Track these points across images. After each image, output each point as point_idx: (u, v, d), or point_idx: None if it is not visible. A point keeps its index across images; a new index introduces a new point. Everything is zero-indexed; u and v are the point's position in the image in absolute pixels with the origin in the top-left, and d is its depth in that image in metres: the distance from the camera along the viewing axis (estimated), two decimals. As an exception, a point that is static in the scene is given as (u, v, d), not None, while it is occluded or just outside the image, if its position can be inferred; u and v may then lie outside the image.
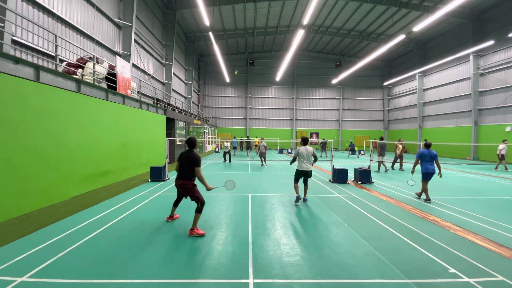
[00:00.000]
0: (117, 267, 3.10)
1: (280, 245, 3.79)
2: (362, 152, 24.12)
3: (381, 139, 12.18)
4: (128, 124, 9.39)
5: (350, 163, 15.28)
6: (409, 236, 4.19)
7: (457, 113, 21.80)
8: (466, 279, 2.92)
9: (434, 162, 6.36)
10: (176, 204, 4.72)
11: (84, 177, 6.91)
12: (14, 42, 7.31)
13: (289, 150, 27.34)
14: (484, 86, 19.37)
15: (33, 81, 5.41)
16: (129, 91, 9.92)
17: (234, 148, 21.67)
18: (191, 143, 4.31)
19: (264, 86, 32.23)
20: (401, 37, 17.12)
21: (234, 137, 28.75)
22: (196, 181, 4.31)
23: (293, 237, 4.12)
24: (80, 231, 4.20)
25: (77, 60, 8.18)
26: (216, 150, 26.53)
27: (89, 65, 8.14)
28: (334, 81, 29.07)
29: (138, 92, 11.66)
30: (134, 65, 14.09)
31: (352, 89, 32.58)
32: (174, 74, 21.10)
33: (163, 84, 19.42)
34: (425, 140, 8.23)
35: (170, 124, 14.49)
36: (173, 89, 20.84)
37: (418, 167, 6.65)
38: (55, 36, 6.67)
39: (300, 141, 6.30)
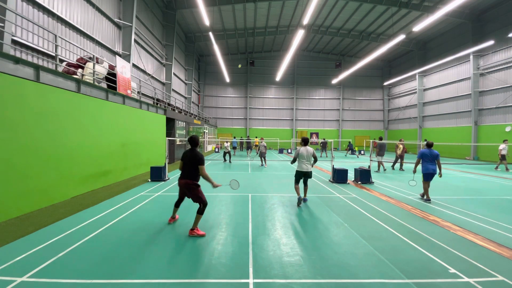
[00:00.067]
0: (117, 267, 3.10)
1: (280, 245, 3.79)
2: (362, 152, 24.15)
3: (380, 139, 12.19)
4: (128, 124, 9.39)
5: (350, 163, 15.28)
6: (409, 236, 4.19)
7: (457, 113, 21.80)
8: (466, 279, 2.93)
9: (436, 162, 6.34)
10: (177, 204, 4.63)
11: (84, 177, 6.92)
12: (14, 42, 7.32)
13: (289, 150, 27.34)
14: (484, 86, 19.37)
15: (33, 81, 5.41)
16: (129, 91, 9.93)
17: (234, 148, 21.67)
18: (193, 141, 4.20)
19: (264, 86, 32.23)
20: (401, 37, 17.12)
21: (234, 137, 28.76)
22: (200, 182, 4.23)
23: (293, 237, 4.12)
24: (80, 231, 4.20)
25: (77, 60, 8.18)
26: (216, 150, 26.53)
27: (89, 65, 8.14)
28: (334, 81, 29.07)
29: (138, 92, 11.66)
30: (134, 65, 14.10)
31: (352, 89, 32.58)
32: (174, 74, 21.10)
33: (163, 84, 19.42)
34: (425, 140, 8.22)
35: (170, 124, 14.48)
36: (173, 89, 20.84)
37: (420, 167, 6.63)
38: (55, 36, 6.67)
39: (300, 141, 6.27)
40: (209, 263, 3.23)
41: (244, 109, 32.19)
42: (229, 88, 32.16)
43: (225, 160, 15.30)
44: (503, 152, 12.81)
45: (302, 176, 6.11)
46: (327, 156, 20.37)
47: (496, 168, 13.49)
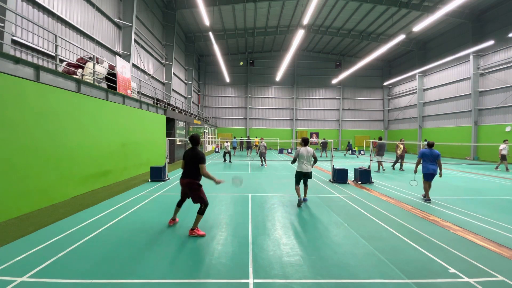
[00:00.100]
0: (117, 267, 3.10)
1: (280, 245, 3.79)
2: (362, 152, 24.17)
3: (380, 139, 12.19)
4: (128, 124, 9.39)
5: (350, 163, 15.28)
6: (409, 236, 4.19)
7: (457, 113, 21.80)
8: (466, 279, 2.93)
9: (436, 162, 6.33)
10: (179, 204, 4.54)
11: (84, 177, 6.92)
12: (14, 42, 7.32)
13: (289, 150, 27.34)
14: (484, 86, 19.37)
15: (33, 81, 5.41)
16: (129, 91, 9.93)
17: (234, 148, 21.68)
18: (194, 140, 4.15)
19: (264, 86, 32.23)
20: (401, 37, 17.12)
21: (234, 137, 28.76)
22: (202, 181, 4.19)
23: (293, 237, 4.12)
24: (80, 231, 4.20)
25: (77, 60, 8.18)
26: (216, 150, 26.53)
27: (89, 65, 8.14)
28: (334, 81, 29.07)
29: (138, 92, 11.66)
30: (134, 65, 14.10)
31: (352, 89, 32.58)
32: (174, 74, 21.10)
33: (163, 84, 19.43)
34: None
35: (170, 124, 14.49)
36: (173, 89, 20.84)
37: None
38: (55, 36, 6.67)
39: (300, 141, 6.26)
40: (209, 263, 3.23)
41: (244, 109, 32.19)
42: (229, 88, 32.16)
43: (225, 160, 15.30)
44: (504, 152, 12.81)
45: (302, 176, 6.10)
46: (327, 156, 20.37)
47: (497, 168, 13.49)
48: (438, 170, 6.39)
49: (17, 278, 2.81)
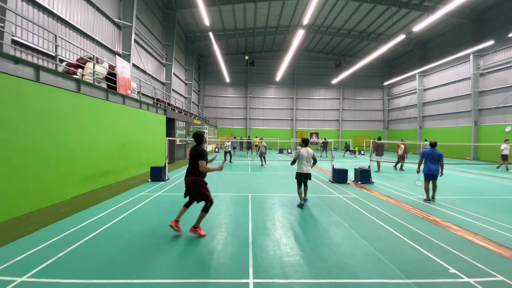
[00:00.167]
0: (117, 267, 3.10)
1: (280, 245, 3.79)
2: (362, 152, 24.17)
3: (379, 139, 12.18)
4: (128, 124, 9.39)
5: (350, 163, 15.28)
6: (409, 236, 4.18)
7: (457, 113, 21.80)
8: (466, 279, 2.92)
9: (439, 162, 6.28)
10: (187, 205, 4.26)
11: (84, 177, 6.92)
12: (14, 42, 7.32)
13: (289, 150, 27.34)
14: (484, 86, 19.37)
15: (33, 81, 5.41)
16: (129, 91, 9.93)
17: (234, 148, 21.69)
18: (197, 138, 4.06)
19: (264, 86, 32.24)
20: (401, 37, 17.13)
21: (234, 137, 28.76)
22: (207, 178, 4.11)
23: (293, 237, 4.12)
24: (80, 231, 4.20)
25: (77, 60, 8.18)
26: (216, 150, 26.54)
27: (89, 65, 8.14)
28: (334, 81, 29.08)
29: (138, 92, 11.66)
30: (134, 65, 14.09)
31: (352, 89, 32.58)
32: (174, 74, 21.10)
33: (163, 84, 19.43)
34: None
35: (170, 124, 14.48)
36: (173, 89, 20.84)
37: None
38: (55, 36, 6.67)
39: (300, 141, 6.23)
40: (209, 263, 3.23)
41: (244, 109, 32.19)
42: (229, 88, 32.16)
43: (225, 159, 15.29)
44: (505, 152, 12.77)
45: (303, 177, 6.06)
46: (327, 156, 20.38)
47: (498, 167, 13.46)
48: (440, 170, 6.36)
49: (17, 278, 2.81)
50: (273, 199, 6.57)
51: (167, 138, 10.17)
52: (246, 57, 28.79)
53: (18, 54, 7.47)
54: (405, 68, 28.04)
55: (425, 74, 25.59)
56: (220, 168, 4.03)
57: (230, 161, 14.99)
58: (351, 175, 10.19)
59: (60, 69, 7.54)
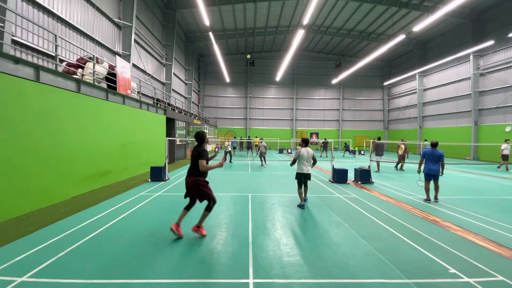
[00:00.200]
0: (117, 267, 3.10)
1: (280, 245, 3.79)
2: (362, 152, 24.18)
3: (379, 139, 12.18)
4: (128, 124, 9.39)
5: (350, 163, 15.28)
6: (409, 236, 4.19)
7: (457, 113, 21.80)
8: (466, 279, 2.92)
9: (439, 162, 6.26)
10: (188, 208, 4.18)
11: (84, 177, 6.92)
12: (14, 42, 7.31)
13: (289, 150, 27.34)
14: (484, 86, 19.37)
15: (33, 81, 5.41)
16: (129, 91, 9.93)
17: (234, 148, 21.69)
18: (199, 138, 4.04)
19: (264, 86, 32.24)
20: (401, 37, 17.12)
21: (234, 137, 28.75)
22: (208, 178, 4.10)
23: (293, 237, 4.12)
24: (80, 231, 4.20)
25: (77, 60, 8.18)
26: (216, 150, 26.52)
27: (89, 65, 8.14)
28: (334, 81, 29.07)
29: (138, 92, 11.66)
30: (134, 65, 14.09)
31: (352, 89, 32.58)
32: (174, 74, 21.10)
33: (163, 84, 19.43)
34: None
35: (170, 124, 14.48)
36: (173, 89, 20.84)
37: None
38: (55, 36, 6.67)
39: (300, 142, 6.22)
40: (209, 263, 3.23)
41: (244, 109, 32.19)
42: (229, 88, 32.16)
43: (225, 159, 15.28)
44: (505, 152, 12.76)
45: (303, 178, 6.05)
46: (327, 156, 20.38)
47: (498, 167, 13.45)
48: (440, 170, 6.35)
49: (17, 278, 2.81)
50: (273, 199, 6.58)
51: (167, 138, 10.17)
52: (248, 56, 28.68)
53: (18, 54, 7.47)
54: (405, 68, 28.04)
55: (425, 74, 25.59)
56: (221, 165, 4.00)
57: (230, 161, 14.99)
58: (351, 175, 10.19)
59: (60, 69, 7.54)
